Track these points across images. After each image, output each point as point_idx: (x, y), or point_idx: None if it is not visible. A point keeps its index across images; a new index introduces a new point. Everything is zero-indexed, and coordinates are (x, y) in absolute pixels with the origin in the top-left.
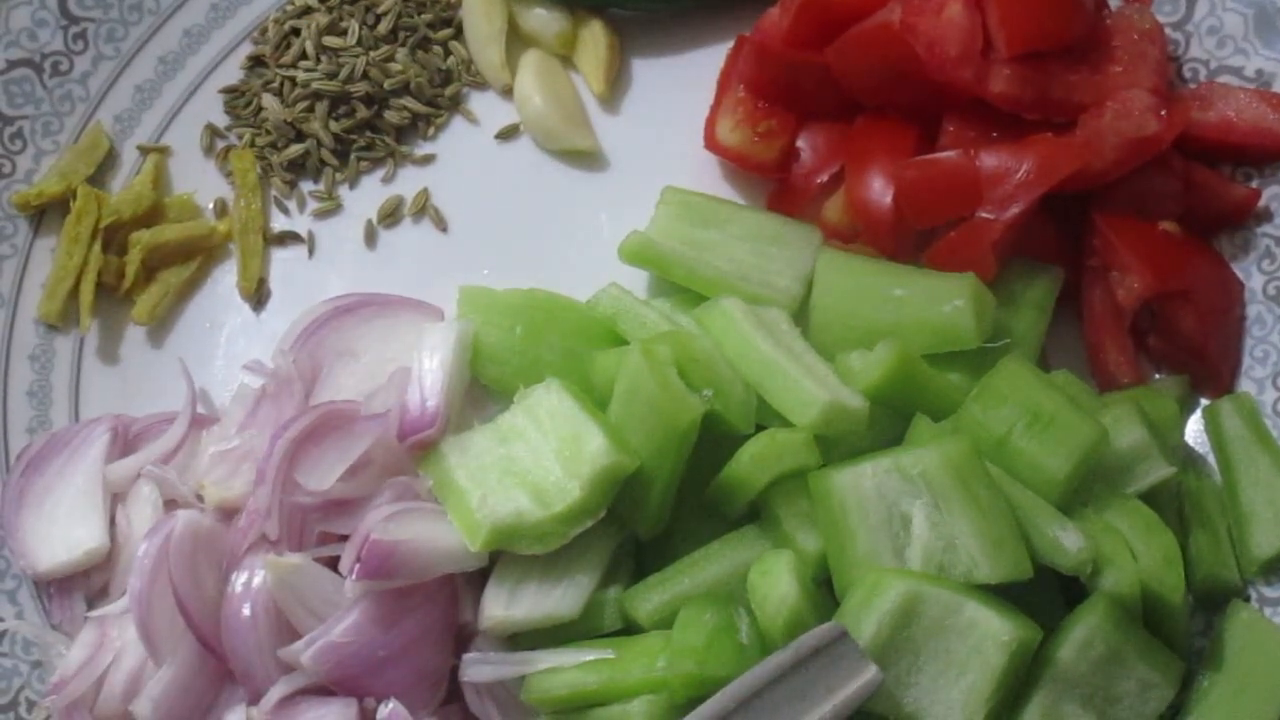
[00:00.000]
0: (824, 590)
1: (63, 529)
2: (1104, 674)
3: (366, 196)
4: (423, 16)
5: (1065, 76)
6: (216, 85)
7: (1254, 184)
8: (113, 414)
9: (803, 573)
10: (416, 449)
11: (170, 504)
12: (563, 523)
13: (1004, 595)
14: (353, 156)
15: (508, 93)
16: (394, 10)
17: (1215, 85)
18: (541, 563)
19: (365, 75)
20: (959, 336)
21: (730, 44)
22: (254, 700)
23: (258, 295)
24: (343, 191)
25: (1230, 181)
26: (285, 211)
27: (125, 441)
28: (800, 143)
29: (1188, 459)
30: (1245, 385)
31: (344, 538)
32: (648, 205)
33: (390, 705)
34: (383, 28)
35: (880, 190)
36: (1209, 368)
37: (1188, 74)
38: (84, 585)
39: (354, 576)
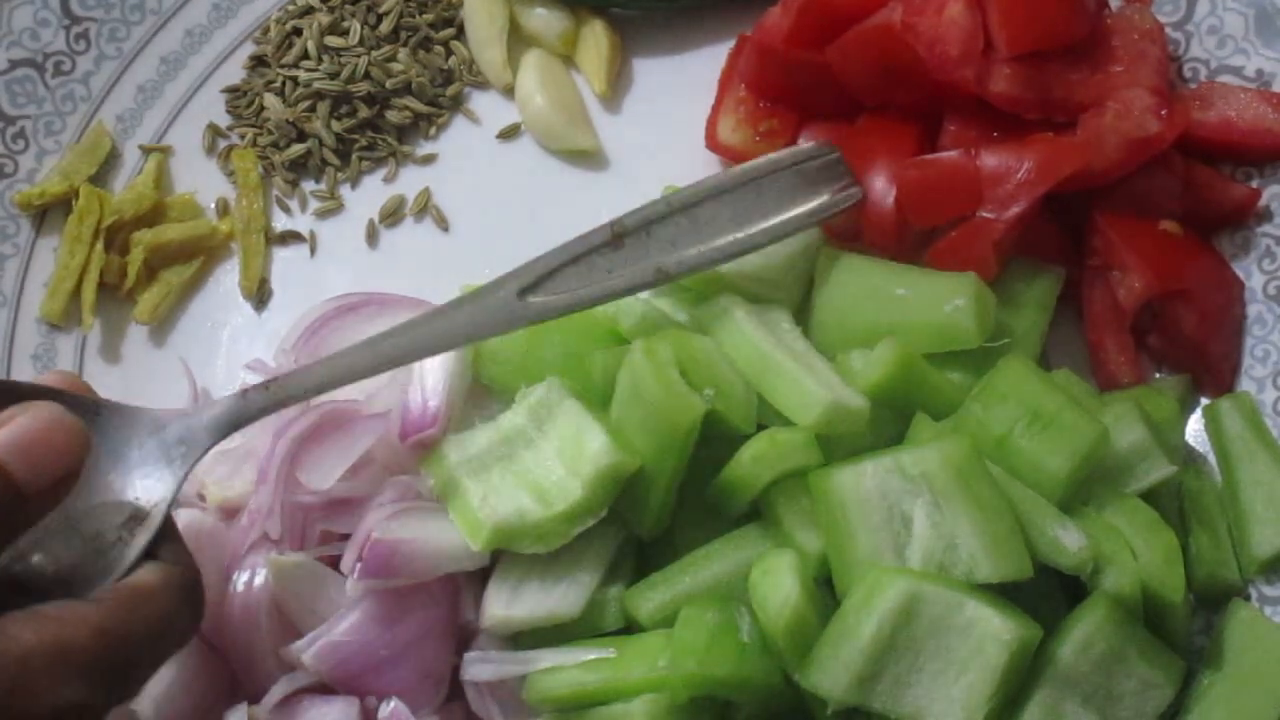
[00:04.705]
0: (825, 589)
1: None
2: (1104, 673)
3: (368, 196)
4: (424, 16)
5: (1066, 76)
6: (218, 85)
7: (1254, 184)
8: None
9: (804, 572)
10: (418, 448)
11: None
12: (564, 522)
13: (1005, 594)
14: (354, 156)
15: (509, 92)
16: (395, 10)
17: (1216, 85)
18: (543, 562)
19: (367, 75)
20: (960, 336)
21: (731, 43)
22: (255, 699)
23: (260, 295)
24: (344, 191)
25: (1230, 181)
26: (287, 211)
27: None
28: (801, 142)
29: (1188, 458)
30: (1245, 385)
31: (346, 537)
32: None
33: (392, 704)
34: (384, 27)
35: (881, 190)
36: (1209, 367)
37: (1188, 74)
38: None
39: (356, 575)
